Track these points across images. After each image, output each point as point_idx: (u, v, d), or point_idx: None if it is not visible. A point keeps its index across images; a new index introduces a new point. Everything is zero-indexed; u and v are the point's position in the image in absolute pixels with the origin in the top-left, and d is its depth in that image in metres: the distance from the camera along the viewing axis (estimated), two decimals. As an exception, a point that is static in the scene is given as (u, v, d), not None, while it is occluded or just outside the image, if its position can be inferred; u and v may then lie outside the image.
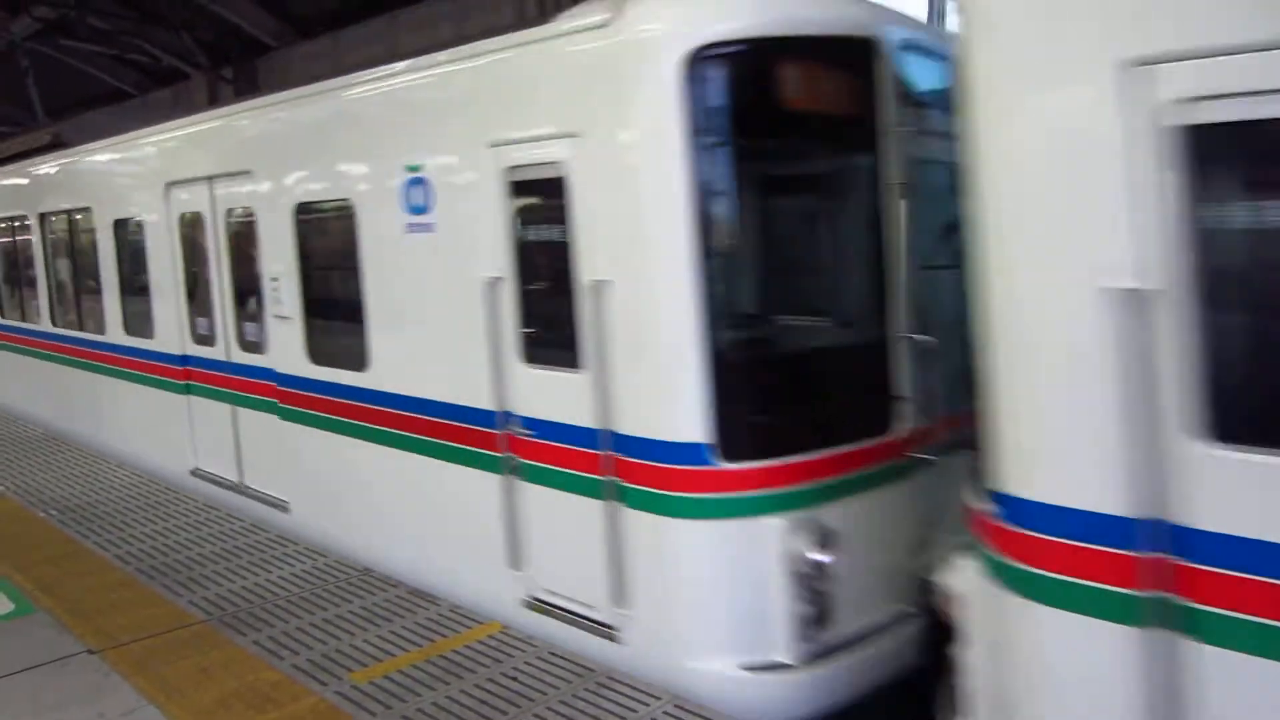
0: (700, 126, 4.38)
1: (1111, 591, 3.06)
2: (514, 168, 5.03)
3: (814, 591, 4.46)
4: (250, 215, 7.28)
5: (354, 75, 6.29)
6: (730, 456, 4.45)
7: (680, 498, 4.52)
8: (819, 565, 4.44)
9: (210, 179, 7.70)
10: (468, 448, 5.49)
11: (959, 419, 4.47)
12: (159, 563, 6.40)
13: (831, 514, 4.54)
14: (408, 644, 5.07)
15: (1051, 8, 3.09)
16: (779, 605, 4.44)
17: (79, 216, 10.22)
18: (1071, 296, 3.02)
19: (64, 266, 10.84)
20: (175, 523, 7.28)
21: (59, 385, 11.10)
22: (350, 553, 6.39)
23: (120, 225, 9.21)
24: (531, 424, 5.12)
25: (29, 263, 11.66)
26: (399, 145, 5.75)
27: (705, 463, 4.46)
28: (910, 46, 4.88)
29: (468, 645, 5.01)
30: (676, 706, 4.31)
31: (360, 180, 6.13)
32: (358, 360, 6.20)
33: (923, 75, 4.93)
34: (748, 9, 4.53)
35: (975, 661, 3.57)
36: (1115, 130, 2.90)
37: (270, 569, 6.23)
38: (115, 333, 9.53)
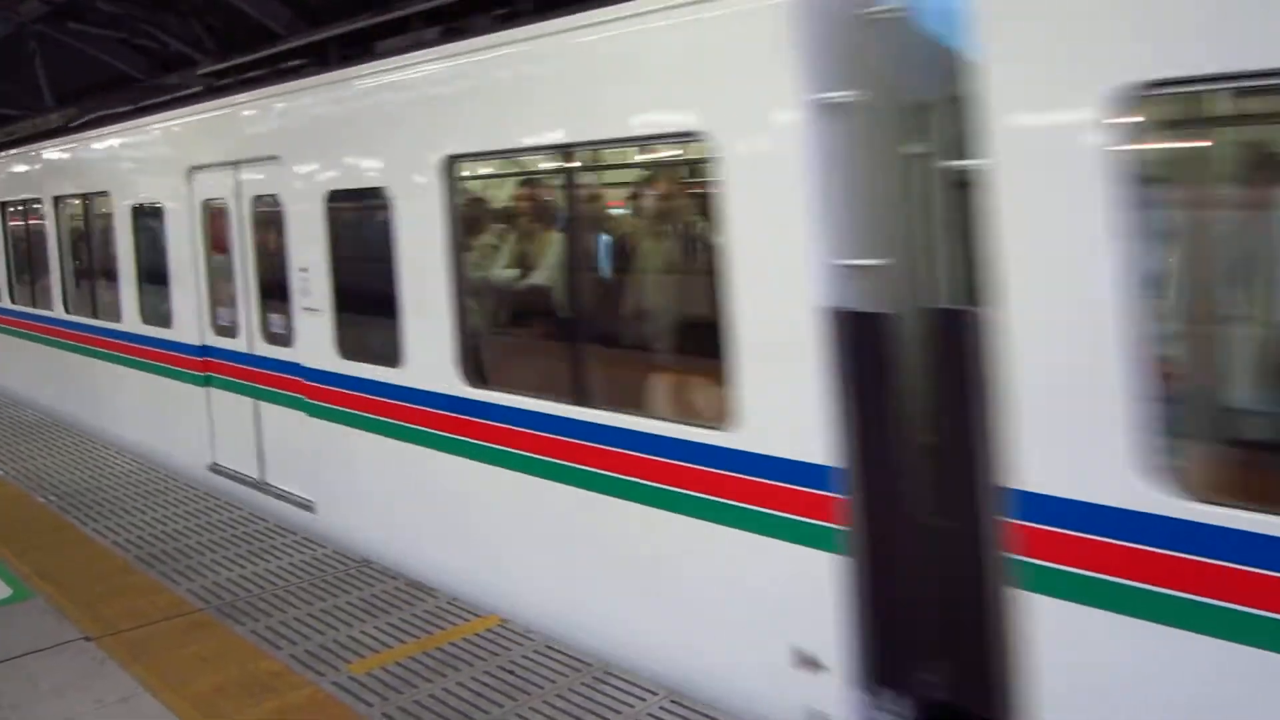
0: None
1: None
2: None
3: None
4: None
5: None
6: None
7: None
8: None
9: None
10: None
11: None
12: (157, 550, 6.40)
13: None
14: (405, 636, 5.06)
15: None
16: None
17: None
18: None
19: None
20: (175, 510, 7.28)
21: None
22: None
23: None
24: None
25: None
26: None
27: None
28: None
29: (465, 638, 5.00)
30: (673, 701, 4.30)
31: None
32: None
33: None
34: None
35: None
36: None
37: (269, 558, 6.23)
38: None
